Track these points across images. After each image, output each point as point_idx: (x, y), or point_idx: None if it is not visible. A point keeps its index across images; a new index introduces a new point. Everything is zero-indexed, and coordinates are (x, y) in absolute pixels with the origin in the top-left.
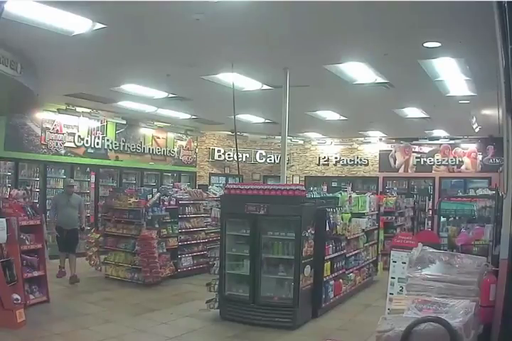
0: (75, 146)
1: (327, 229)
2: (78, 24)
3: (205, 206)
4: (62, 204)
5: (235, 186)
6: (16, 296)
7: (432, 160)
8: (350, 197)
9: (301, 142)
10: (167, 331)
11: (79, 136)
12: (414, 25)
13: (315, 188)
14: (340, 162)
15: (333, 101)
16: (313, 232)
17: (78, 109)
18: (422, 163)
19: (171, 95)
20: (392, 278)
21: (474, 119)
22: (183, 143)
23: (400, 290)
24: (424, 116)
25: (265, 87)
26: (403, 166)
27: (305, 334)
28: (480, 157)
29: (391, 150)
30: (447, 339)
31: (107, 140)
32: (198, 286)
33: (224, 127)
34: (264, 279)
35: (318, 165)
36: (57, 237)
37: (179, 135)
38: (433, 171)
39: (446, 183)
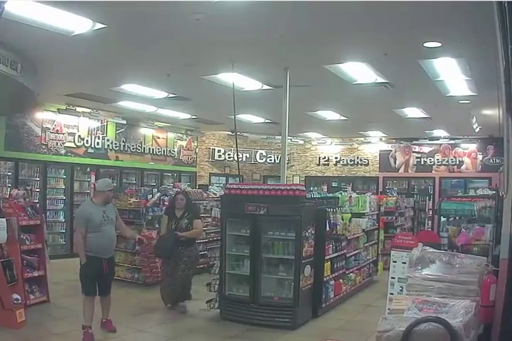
0: (75, 146)
1: (327, 229)
2: (78, 24)
3: (205, 206)
4: (98, 220)
5: (235, 186)
6: (16, 296)
7: (432, 160)
8: (350, 197)
9: (302, 142)
10: (167, 331)
11: (79, 136)
12: (414, 25)
13: (315, 188)
14: (341, 162)
15: (334, 101)
16: (313, 232)
17: (78, 109)
18: (422, 163)
19: (171, 95)
20: (392, 278)
21: (474, 119)
22: (183, 143)
23: (400, 290)
24: (425, 116)
25: (265, 87)
26: (403, 166)
27: (305, 334)
28: (480, 157)
29: (391, 150)
30: (447, 339)
31: (107, 140)
32: (198, 286)
33: (224, 127)
34: (264, 279)
35: (319, 165)
36: (85, 273)
37: (179, 135)
38: (433, 171)
39: (446, 183)
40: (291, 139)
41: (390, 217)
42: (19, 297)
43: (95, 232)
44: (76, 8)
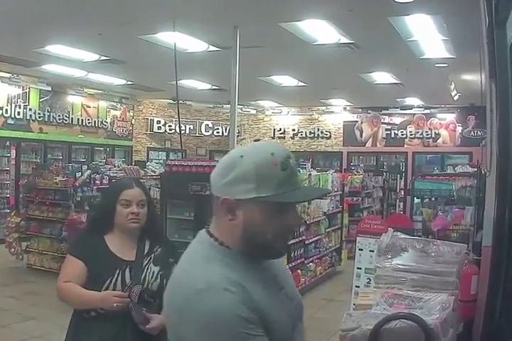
0: None
1: None
2: None
3: None
4: (285, 325)
5: (177, 163)
6: None
7: (404, 132)
8: (309, 175)
9: (254, 112)
10: None
11: None
12: None
13: None
14: (299, 134)
15: (291, 65)
16: None
17: None
18: (392, 135)
19: (103, 57)
20: (358, 268)
21: (453, 86)
22: (117, 113)
23: (368, 283)
24: (395, 81)
25: (212, 48)
26: (371, 139)
27: None
28: (459, 129)
29: (357, 122)
30: (422, 338)
31: (30, 109)
32: None
33: (164, 94)
34: None
35: (273, 138)
36: None
37: (112, 104)
38: (405, 145)
39: (420, 159)
40: (241, 108)
41: (355, 198)
42: None
43: None
44: None
